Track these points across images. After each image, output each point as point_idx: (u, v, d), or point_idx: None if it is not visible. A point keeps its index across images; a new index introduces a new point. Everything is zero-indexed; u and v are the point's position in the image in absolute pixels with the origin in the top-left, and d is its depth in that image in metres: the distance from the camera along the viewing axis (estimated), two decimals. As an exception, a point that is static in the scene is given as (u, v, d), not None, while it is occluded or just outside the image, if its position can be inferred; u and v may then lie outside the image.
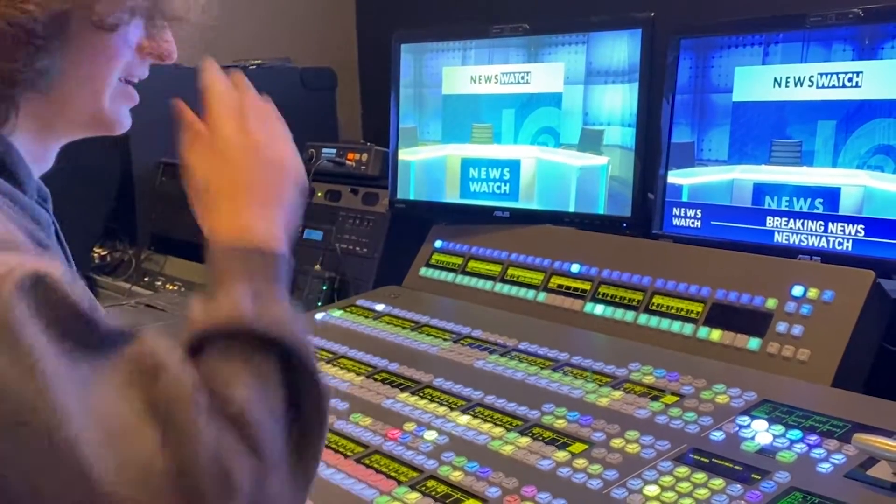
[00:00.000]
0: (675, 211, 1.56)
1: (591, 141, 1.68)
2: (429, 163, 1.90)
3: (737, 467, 1.06)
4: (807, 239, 1.40)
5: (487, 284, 1.73)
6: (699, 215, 1.53)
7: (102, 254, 2.62)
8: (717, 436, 1.13)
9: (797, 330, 1.30)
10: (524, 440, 1.18)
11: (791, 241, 1.41)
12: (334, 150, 2.15)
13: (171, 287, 2.46)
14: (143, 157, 2.62)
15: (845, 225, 1.35)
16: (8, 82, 0.79)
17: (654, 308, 1.47)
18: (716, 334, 1.37)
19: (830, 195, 1.37)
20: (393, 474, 1.14)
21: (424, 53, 1.90)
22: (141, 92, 0.93)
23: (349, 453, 1.20)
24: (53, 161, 0.91)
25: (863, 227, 1.34)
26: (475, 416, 1.26)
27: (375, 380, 1.43)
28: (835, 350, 1.26)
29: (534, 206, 1.77)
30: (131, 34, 0.85)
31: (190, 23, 0.89)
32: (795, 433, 1.10)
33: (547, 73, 1.74)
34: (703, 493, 1.01)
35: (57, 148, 0.90)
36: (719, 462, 1.07)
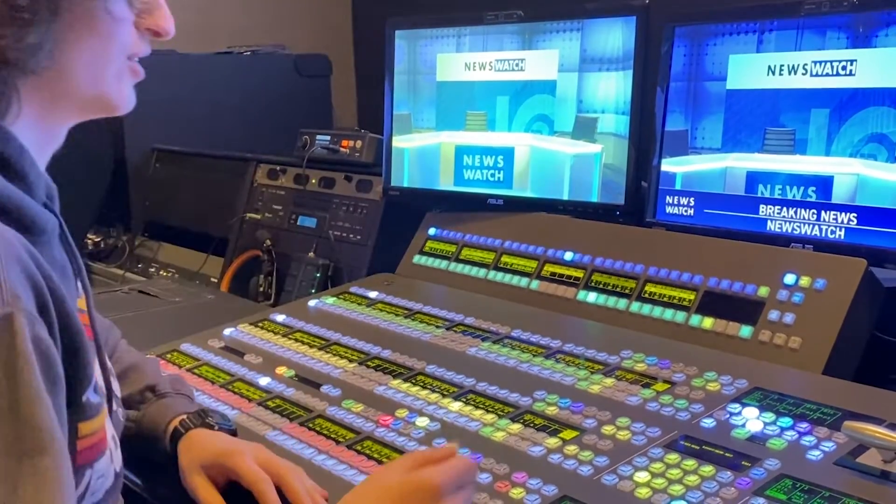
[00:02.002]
0: (669, 199, 1.56)
1: (585, 129, 1.68)
2: (423, 150, 1.90)
3: (727, 454, 1.06)
4: (799, 227, 1.40)
5: (481, 272, 1.73)
6: (692, 203, 1.53)
7: (96, 240, 2.62)
8: (708, 423, 1.13)
9: (789, 318, 1.30)
10: (516, 427, 1.18)
11: (784, 230, 1.41)
12: (328, 137, 2.15)
13: (164, 274, 2.46)
14: (136, 143, 2.63)
15: (838, 213, 1.36)
16: None
17: (646, 296, 1.47)
18: (708, 322, 1.37)
19: (823, 183, 1.37)
20: (384, 460, 1.14)
21: (418, 40, 1.89)
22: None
23: (341, 439, 1.20)
24: (63, 140, 0.89)
25: (855, 215, 1.34)
26: (467, 403, 1.27)
27: (368, 366, 1.43)
28: (826, 338, 1.26)
29: (527, 193, 1.77)
30: (124, 9, 0.83)
31: None
32: (786, 421, 1.11)
33: (541, 61, 1.73)
34: (693, 479, 1.02)
35: (65, 129, 0.88)
36: (710, 449, 1.07)
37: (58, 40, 0.79)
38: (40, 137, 0.85)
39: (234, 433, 1.17)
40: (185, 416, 1.14)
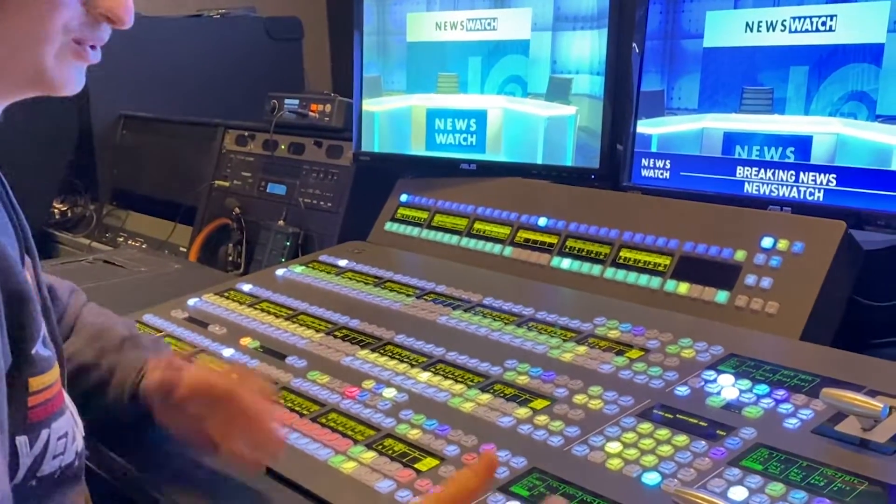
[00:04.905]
0: (644, 162, 1.52)
1: (558, 90, 1.63)
2: (393, 114, 1.85)
3: (702, 423, 1.02)
4: (777, 189, 1.36)
5: (453, 239, 1.69)
6: (668, 166, 1.49)
7: (63, 209, 2.56)
8: (683, 391, 1.10)
9: (766, 282, 1.27)
10: (485, 397, 1.15)
11: (761, 192, 1.38)
12: (297, 102, 2.09)
13: (133, 243, 2.41)
14: (102, 110, 2.56)
15: (817, 174, 1.32)
16: None
17: (621, 261, 1.43)
18: (683, 287, 1.34)
19: (802, 144, 1.33)
20: (349, 433, 1.10)
21: (388, -1, 1.83)
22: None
23: (305, 412, 1.16)
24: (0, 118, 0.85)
25: (835, 176, 1.30)
26: (436, 373, 1.23)
27: (335, 337, 1.38)
28: (804, 303, 1.23)
29: (501, 158, 1.72)
30: None
31: None
32: (762, 388, 1.07)
33: (514, 19, 1.68)
34: (666, 449, 0.98)
35: (2, 104, 0.84)
36: (684, 418, 1.04)
37: None
38: None
39: None
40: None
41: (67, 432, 0.86)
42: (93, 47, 0.84)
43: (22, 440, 0.80)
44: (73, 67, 0.83)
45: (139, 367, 1.10)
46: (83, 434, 0.92)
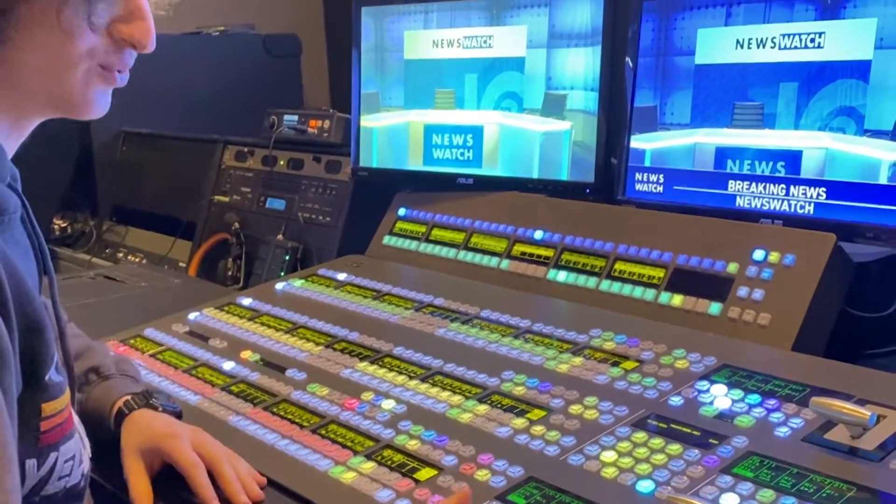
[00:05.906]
0: (638, 176, 1.54)
1: (554, 106, 1.66)
2: (391, 129, 1.87)
3: (695, 432, 1.04)
4: (768, 202, 1.38)
5: (451, 252, 1.71)
6: (661, 180, 1.51)
7: (63, 225, 2.58)
8: (676, 401, 1.12)
9: (758, 294, 1.29)
10: (482, 408, 1.17)
11: (753, 205, 1.40)
12: (296, 118, 2.11)
13: (133, 258, 2.43)
14: (103, 126, 2.58)
15: (807, 188, 1.34)
16: None
17: (616, 274, 1.45)
18: (677, 299, 1.36)
19: (792, 158, 1.36)
20: (349, 444, 1.12)
21: (386, 17, 1.86)
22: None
23: (305, 424, 1.18)
24: (28, 133, 0.88)
25: (824, 189, 1.32)
26: (434, 385, 1.25)
27: (334, 349, 1.40)
28: (795, 314, 1.25)
29: (497, 172, 1.75)
30: (95, 13, 0.81)
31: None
32: (754, 398, 1.09)
33: (509, 37, 1.70)
34: (660, 458, 1.00)
35: (31, 123, 0.87)
36: (677, 427, 1.06)
37: (15, 34, 0.78)
38: (3, 125, 0.83)
39: (178, 415, 1.16)
40: (129, 397, 1.13)
41: (75, 455, 0.87)
42: (119, 71, 0.86)
43: (31, 463, 0.81)
44: (99, 91, 0.85)
45: (108, 406, 1.13)
46: (90, 455, 0.94)
